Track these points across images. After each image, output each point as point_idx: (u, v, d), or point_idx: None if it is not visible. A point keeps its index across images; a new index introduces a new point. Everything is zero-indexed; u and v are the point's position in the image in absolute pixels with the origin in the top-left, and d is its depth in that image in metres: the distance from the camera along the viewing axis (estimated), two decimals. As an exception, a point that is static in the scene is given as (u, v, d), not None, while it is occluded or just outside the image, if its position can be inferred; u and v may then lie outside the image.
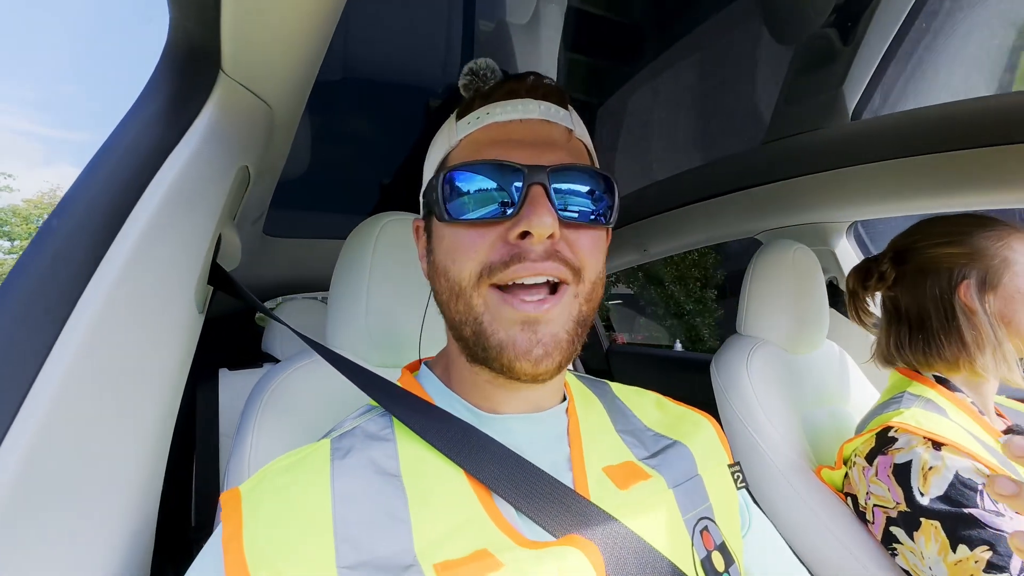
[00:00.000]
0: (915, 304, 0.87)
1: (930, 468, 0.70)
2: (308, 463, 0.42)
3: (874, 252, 1.26)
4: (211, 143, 0.51)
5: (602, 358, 2.45)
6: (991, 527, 0.64)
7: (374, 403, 0.50)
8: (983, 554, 0.64)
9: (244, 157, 0.59)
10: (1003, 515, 0.65)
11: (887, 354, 0.90)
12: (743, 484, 0.55)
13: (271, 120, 0.64)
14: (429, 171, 0.51)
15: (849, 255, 1.37)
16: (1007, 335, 0.80)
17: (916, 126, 0.97)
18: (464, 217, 0.44)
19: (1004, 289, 0.79)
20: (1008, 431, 0.78)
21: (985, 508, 0.66)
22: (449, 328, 0.49)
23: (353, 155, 1.34)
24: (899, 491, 0.72)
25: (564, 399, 0.53)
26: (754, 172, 1.28)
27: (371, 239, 0.68)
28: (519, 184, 0.42)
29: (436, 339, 0.60)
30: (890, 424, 0.77)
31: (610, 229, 0.49)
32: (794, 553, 0.57)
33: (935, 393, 0.80)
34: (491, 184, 0.43)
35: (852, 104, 1.11)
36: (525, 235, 0.41)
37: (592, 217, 0.45)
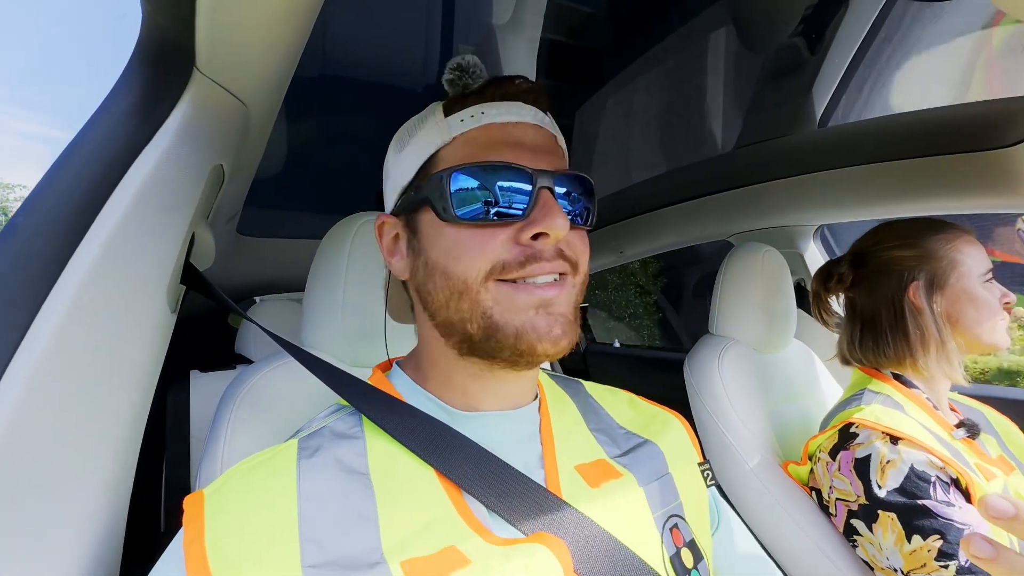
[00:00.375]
0: (870, 305, 0.91)
1: (887, 462, 0.73)
2: (274, 463, 0.42)
3: (839, 255, 1.31)
4: (184, 141, 0.51)
5: (579, 358, 2.47)
6: (942, 517, 0.68)
7: (343, 402, 0.50)
8: (935, 543, 0.67)
9: (218, 155, 0.59)
10: (953, 505, 0.69)
11: (846, 353, 0.94)
12: (713, 482, 0.57)
13: (246, 118, 0.63)
14: (408, 167, 0.49)
15: (816, 257, 1.42)
16: (954, 335, 0.84)
17: (878, 134, 1.01)
18: (473, 217, 0.44)
19: (951, 290, 0.83)
20: (960, 424, 0.82)
21: (937, 499, 0.69)
22: (438, 328, 0.48)
23: (329, 154, 1.33)
24: (859, 484, 0.75)
25: (536, 397, 0.54)
26: (726, 176, 1.31)
27: (347, 239, 0.68)
28: (528, 187, 0.44)
29: (404, 337, 0.61)
30: (851, 420, 0.80)
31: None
32: (762, 546, 0.59)
33: (893, 389, 0.84)
34: (503, 185, 0.44)
35: (819, 112, 1.15)
36: (537, 236, 0.43)
37: (580, 219, 0.48)
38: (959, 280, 0.83)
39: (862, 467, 0.75)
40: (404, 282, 0.54)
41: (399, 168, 0.51)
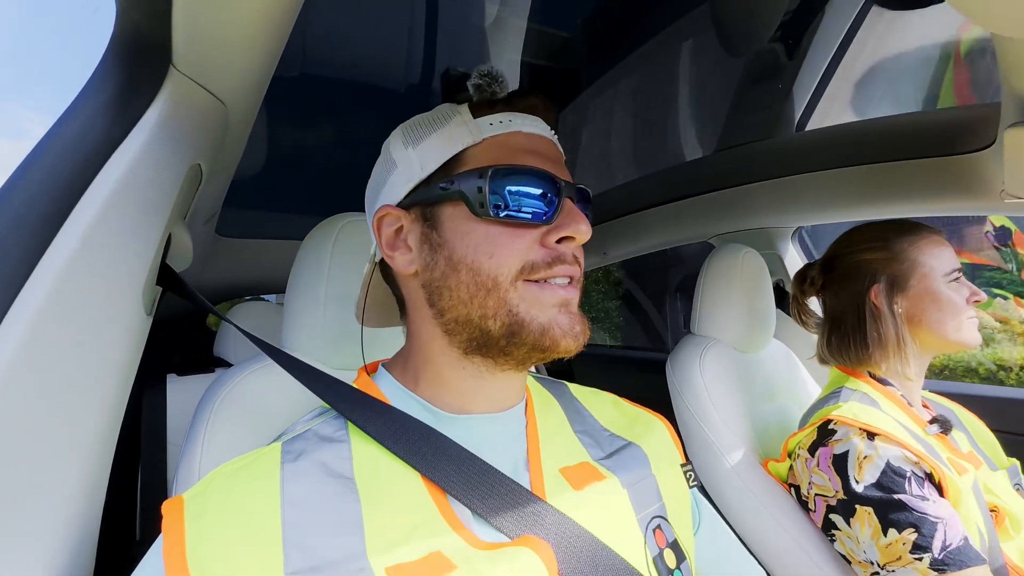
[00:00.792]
0: (838, 307, 0.94)
1: (865, 457, 0.75)
2: (257, 467, 0.41)
3: (816, 256, 1.34)
4: (161, 140, 0.50)
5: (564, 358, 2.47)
6: (917, 511, 0.70)
7: (328, 405, 0.50)
8: (910, 536, 0.69)
9: (196, 155, 0.58)
10: (928, 499, 0.71)
11: (821, 353, 0.97)
12: (695, 483, 0.58)
13: (225, 118, 0.62)
14: (429, 158, 0.48)
15: (794, 259, 1.45)
16: (920, 334, 0.86)
17: (854, 138, 1.04)
18: (507, 215, 0.45)
19: (913, 290, 0.86)
20: (933, 420, 0.84)
21: (912, 493, 0.71)
22: (445, 325, 0.47)
23: (311, 154, 1.32)
24: (838, 480, 0.77)
25: (523, 399, 0.54)
26: (707, 179, 1.33)
27: (329, 240, 0.67)
28: (555, 194, 0.47)
29: (382, 339, 0.60)
30: (830, 417, 0.82)
31: None
32: (743, 542, 0.60)
33: (869, 387, 0.86)
34: (538, 190, 0.47)
35: (797, 115, 1.17)
36: (561, 240, 0.46)
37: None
38: (921, 280, 0.85)
39: (840, 463, 0.77)
40: (390, 283, 0.54)
41: (412, 161, 0.49)
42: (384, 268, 0.54)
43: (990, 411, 0.99)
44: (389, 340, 0.61)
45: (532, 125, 0.50)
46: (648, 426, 0.59)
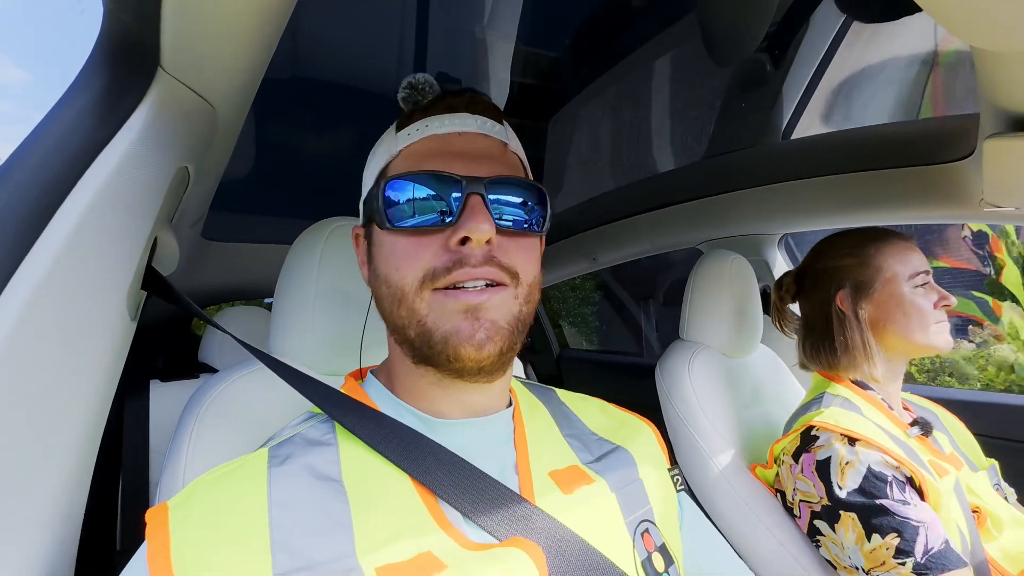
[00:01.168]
0: (811, 313, 0.96)
1: (846, 463, 0.76)
2: (243, 471, 0.41)
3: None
4: (147, 142, 0.49)
5: (553, 364, 2.48)
6: (899, 515, 0.71)
7: (316, 410, 0.50)
8: (893, 541, 0.70)
9: (183, 157, 0.57)
10: (909, 503, 0.72)
11: (799, 358, 0.98)
12: (682, 487, 0.58)
13: (213, 120, 0.61)
14: (369, 180, 0.52)
15: (780, 265, 1.47)
16: (888, 339, 0.87)
17: (837, 147, 1.06)
18: (404, 225, 0.45)
19: (878, 295, 0.87)
20: (914, 423, 0.86)
21: (894, 498, 0.72)
22: (392, 333, 0.49)
23: (300, 158, 1.31)
24: (821, 486, 0.78)
25: (510, 404, 0.54)
26: (695, 185, 1.35)
27: (318, 244, 0.67)
28: (458, 194, 0.44)
29: (380, 345, 0.60)
30: (812, 423, 0.82)
31: (543, 237, 0.51)
32: (731, 547, 0.60)
33: (851, 392, 0.87)
34: (430, 193, 0.45)
35: (782, 124, 1.19)
36: (464, 241, 0.44)
37: (525, 225, 0.48)
38: (885, 286, 0.87)
39: (823, 469, 0.78)
40: None
41: (365, 182, 0.53)
42: None
43: (968, 414, 1.01)
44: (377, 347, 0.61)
45: (452, 125, 0.48)
46: (635, 430, 0.59)
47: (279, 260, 0.70)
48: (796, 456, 0.83)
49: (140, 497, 1.19)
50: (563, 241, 1.82)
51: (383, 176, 0.49)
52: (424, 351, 0.45)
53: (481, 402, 0.50)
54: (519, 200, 0.47)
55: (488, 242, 0.44)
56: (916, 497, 0.74)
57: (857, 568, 0.74)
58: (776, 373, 1.21)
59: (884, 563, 0.70)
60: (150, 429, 1.28)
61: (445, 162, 0.46)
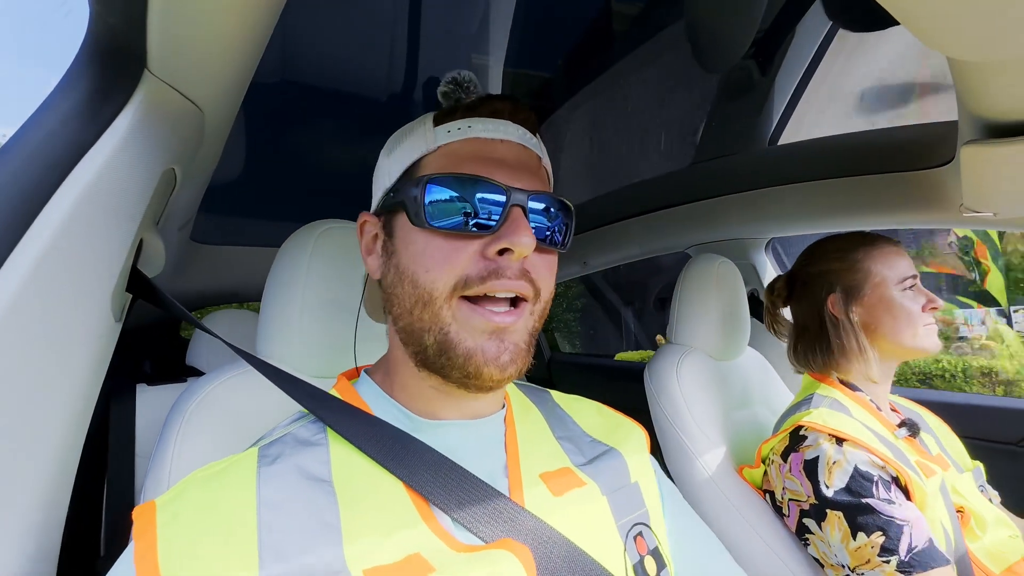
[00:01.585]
0: (802, 316, 0.97)
1: (834, 462, 0.77)
2: (232, 471, 0.41)
3: (788, 266, 1.37)
4: (134, 144, 0.49)
5: (544, 367, 2.48)
6: (884, 514, 0.72)
7: (306, 411, 0.49)
8: (878, 539, 0.71)
9: (170, 160, 0.57)
10: (894, 503, 0.73)
11: (791, 360, 0.99)
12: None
13: (201, 123, 0.61)
14: (395, 168, 0.50)
15: (767, 269, 1.48)
16: (877, 342, 0.89)
17: (823, 153, 1.08)
18: (442, 225, 0.44)
19: (867, 299, 0.89)
20: (902, 424, 0.87)
21: (879, 497, 0.73)
22: (400, 333, 0.48)
23: (289, 161, 1.30)
24: (809, 485, 0.79)
25: (503, 407, 0.54)
26: (684, 190, 1.36)
27: (307, 247, 0.66)
28: (501, 203, 0.44)
29: (372, 345, 0.60)
30: (801, 423, 0.83)
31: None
32: None
33: (840, 393, 0.89)
34: (475, 198, 0.44)
35: (770, 130, 1.21)
36: (503, 252, 0.43)
37: (553, 241, 0.48)
38: (875, 289, 0.88)
39: (811, 468, 0.79)
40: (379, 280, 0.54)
41: (386, 171, 0.51)
42: None
43: (954, 417, 1.03)
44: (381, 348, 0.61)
45: (496, 130, 0.47)
46: (629, 433, 0.60)
47: (268, 263, 0.69)
48: (785, 455, 0.84)
49: (125, 502, 1.17)
50: None
51: (417, 169, 0.48)
52: (439, 360, 0.44)
53: (476, 406, 0.50)
54: (554, 217, 0.48)
55: (525, 255, 0.44)
56: (901, 496, 0.75)
57: (843, 566, 0.74)
58: (763, 375, 1.23)
59: (869, 561, 0.71)
60: (136, 433, 1.27)
61: (488, 168, 0.45)
